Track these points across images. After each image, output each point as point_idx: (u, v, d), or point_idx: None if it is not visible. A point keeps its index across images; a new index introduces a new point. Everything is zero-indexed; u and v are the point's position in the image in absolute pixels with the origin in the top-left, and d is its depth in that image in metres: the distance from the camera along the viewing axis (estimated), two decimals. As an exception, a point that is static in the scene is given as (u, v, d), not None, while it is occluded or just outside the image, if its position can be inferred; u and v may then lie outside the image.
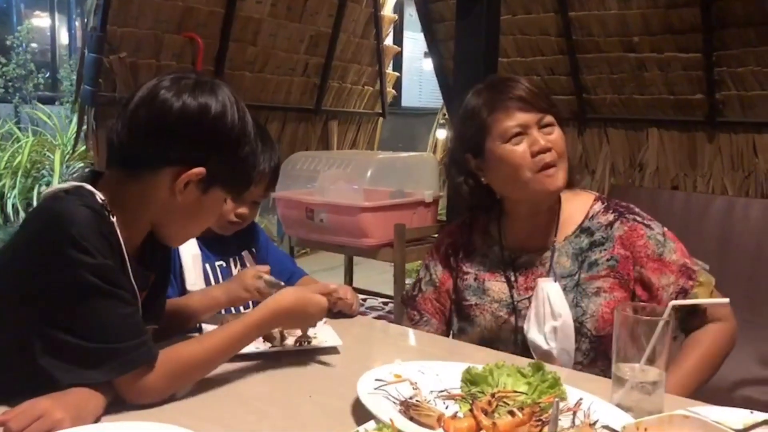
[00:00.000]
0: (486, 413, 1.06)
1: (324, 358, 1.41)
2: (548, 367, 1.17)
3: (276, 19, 3.88)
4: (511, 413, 1.05)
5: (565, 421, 1.05)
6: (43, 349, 1.02)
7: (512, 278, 1.50)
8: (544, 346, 1.39)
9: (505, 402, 1.10)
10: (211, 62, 3.57)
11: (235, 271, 1.68)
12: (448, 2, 4.03)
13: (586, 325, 1.42)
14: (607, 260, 1.44)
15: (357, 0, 4.39)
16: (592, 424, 1.04)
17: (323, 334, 1.49)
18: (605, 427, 0.96)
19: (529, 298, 1.47)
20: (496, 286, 1.51)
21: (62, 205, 1.05)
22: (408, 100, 8.94)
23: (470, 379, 1.17)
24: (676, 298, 1.39)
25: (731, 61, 3.47)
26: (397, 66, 6.72)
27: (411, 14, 6.32)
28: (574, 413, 1.08)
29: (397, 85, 5.46)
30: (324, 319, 1.57)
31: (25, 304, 1.04)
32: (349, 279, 3.94)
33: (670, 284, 1.41)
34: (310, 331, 1.48)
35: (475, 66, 2.86)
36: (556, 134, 1.41)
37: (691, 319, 1.43)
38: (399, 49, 5.24)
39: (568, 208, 1.50)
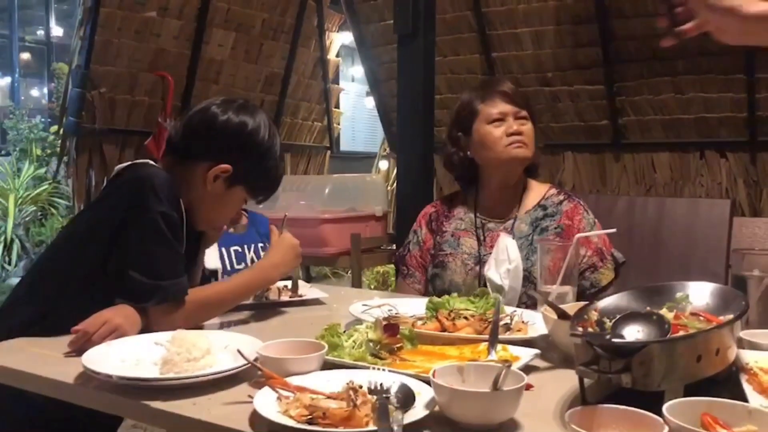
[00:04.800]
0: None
1: (314, 306, 1.79)
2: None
3: (235, 61, 4.29)
4: (465, 318, 1.47)
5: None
6: (119, 289, 1.35)
7: (481, 237, 1.92)
8: (498, 282, 1.79)
9: (460, 316, 1.51)
10: (179, 98, 3.93)
11: (249, 257, 2.04)
12: (386, 47, 4.52)
13: (533, 273, 1.79)
14: (555, 228, 1.87)
15: (306, 45, 4.84)
16: (525, 322, 1.47)
17: (311, 292, 1.87)
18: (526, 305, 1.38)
19: (491, 254, 1.87)
20: (468, 242, 1.93)
21: (143, 169, 1.42)
22: (343, 144, 9.43)
23: (432, 307, 1.55)
24: (587, 270, 1.82)
25: (629, 91, 4.06)
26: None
27: (342, 69, 6.87)
28: (511, 318, 1.49)
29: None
30: (310, 285, 1.96)
31: (110, 247, 1.37)
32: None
33: (584, 256, 1.82)
34: (300, 291, 1.87)
35: (414, 101, 3.26)
36: (527, 125, 1.86)
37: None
38: (343, 88, 5.71)
39: (531, 191, 1.94)
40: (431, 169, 3.42)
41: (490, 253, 1.88)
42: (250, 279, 1.58)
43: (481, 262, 1.89)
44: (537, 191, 1.95)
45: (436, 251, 1.97)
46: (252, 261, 2.03)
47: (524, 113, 1.88)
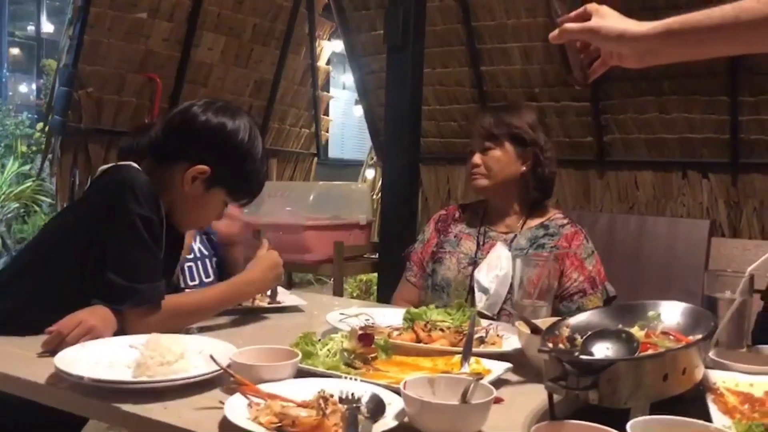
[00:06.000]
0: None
1: (292, 313, 1.80)
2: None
3: (225, 65, 4.28)
4: (441, 330, 1.48)
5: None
6: (96, 290, 1.34)
7: (481, 242, 2.00)
8: (485, 284, 1.86)
9: (436, 327, 1.52)
10: (167, 100, 3.92)
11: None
12: (376, 57, 4.54)
13: None
14: (551, 247, 1.91)
15: (296, 51, 4.85)
16: (500, 336, 1.48)
17: (289, 299, 1.87)
18: (508, 313, 1.39)
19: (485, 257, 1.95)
20: (467, 244, 2.01)
21: (125, 171, 1.41)
22: (332, 151, 9.44)
23: (409, 317, 1.56)
24: (575, 293, 1.86)
25: (614, 109, 4.10)
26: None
27: (333, 76, 6.90)
28: (486, 332, 1.51)
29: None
30: (289, 291, 1.96)
31: (88, 248, 1.37)
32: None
33: (576, 280, 1.87)
34: (279, 297, 1.87)
35: (402, 112, 3.30)
36: (490, 154, 1.96)
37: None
38: (332, 96, 5.73)
39: (536, 215, 2.00)
40: (417, 179, 3.44)
41: (485, 257, 1.95)
42: (226, 292, 1.58)
43: (475, 263, 1.96)
44: (543, 214, 2.02)
45: (437, 248, 2.06)
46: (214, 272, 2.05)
47: (486, 143, 1.97)
